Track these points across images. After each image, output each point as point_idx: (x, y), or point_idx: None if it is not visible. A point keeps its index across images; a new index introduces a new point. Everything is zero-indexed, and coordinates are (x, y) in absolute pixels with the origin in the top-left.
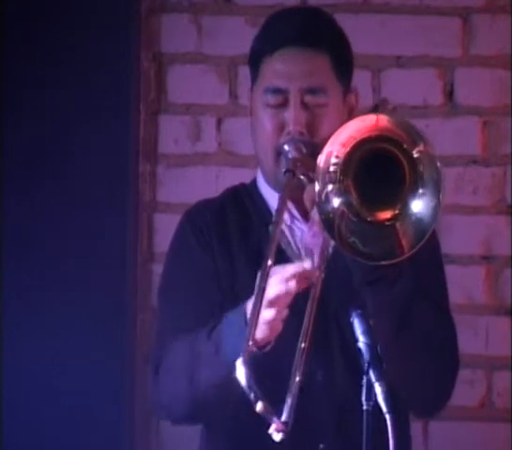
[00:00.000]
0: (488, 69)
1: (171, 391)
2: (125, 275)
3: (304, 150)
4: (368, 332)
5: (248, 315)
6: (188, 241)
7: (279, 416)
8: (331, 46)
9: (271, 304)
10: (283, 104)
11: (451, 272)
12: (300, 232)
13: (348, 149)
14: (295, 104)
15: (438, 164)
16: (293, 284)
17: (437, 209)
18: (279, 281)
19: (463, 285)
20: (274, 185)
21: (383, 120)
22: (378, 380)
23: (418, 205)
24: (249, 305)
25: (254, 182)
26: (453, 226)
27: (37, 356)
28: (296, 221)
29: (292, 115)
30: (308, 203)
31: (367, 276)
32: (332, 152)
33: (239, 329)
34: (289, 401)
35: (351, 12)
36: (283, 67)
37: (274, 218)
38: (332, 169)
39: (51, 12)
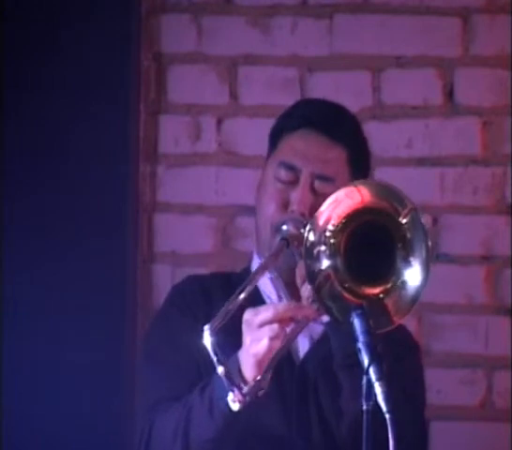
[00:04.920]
0: (488, 69)
1: None
2: (125, 275)
3: (302, 230)
4: (368, 332)
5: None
6: (171, 309)
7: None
8: (351, 141)
9: (255, 341)
10: (293, 182)
11: (451, 272)
12: None
13: (342, 220)
14: (304, 186)
15: (425, 225)
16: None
17: (426, 278)
18: (265, 322)
19: (463, 285)
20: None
21: (365, 193)
22: (378, 379)
23: (410, 276)
24: (240, 354)
25: (247, 268)
26: (453, 226)
27: (37, 356)
28: (284, 301)
29: (298, 196)
30: (298, 279)
31: (346, 359)
32: (330, 218)
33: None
34: (256, 380)
35: (351, 12)
36: (302, 147)
37: (251, 276)
38: (328, 234)
39: (51, 12)
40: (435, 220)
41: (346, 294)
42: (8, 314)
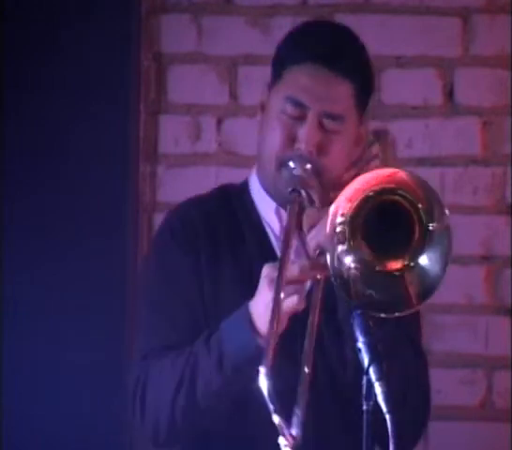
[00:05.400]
0: (488, 69)
1: (159, 409)
2: (125, 275)
3: (308, 166)
4: (368, 332)
5: (256, 316)
6: (172, 247)
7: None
8: (359, 75)
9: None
10: (300, 117)
11: (451, 272)
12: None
13: (354, 204)
14: (312, 124)
15: (451, 238)
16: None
17: (445, 265)
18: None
19: (463, 285)
20: (272, 192)
21: (402, 174)
22: (378, 379)
23: (426, 260)
24: (252, 305)
25: (246, 184)
26: (453, 226)
27: (37, 356)
28: None
29: (306, 134)
30: (305, 227)
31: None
32: (337, 211)
33: (241, 331)
34: (297, 415)
35: (351, 12)
36: (309, 84)
37: (282, 244)
38: (339, 229)
39: (51, 12)
40: None
41: (375, 275)
42: (8, 314)
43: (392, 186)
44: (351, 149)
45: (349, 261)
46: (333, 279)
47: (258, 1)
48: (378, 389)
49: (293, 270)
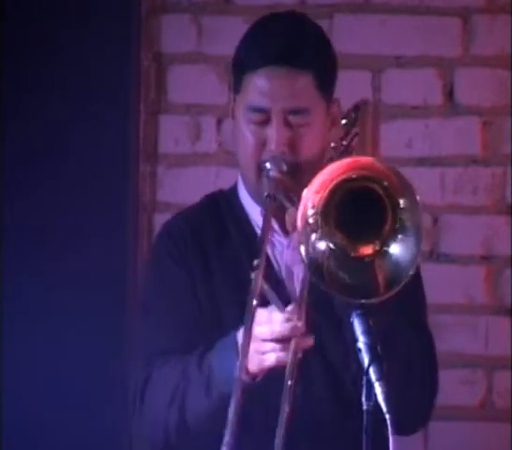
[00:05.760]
0: (488, 69)
1: (157, 420)
2: (125, 275)
3: (285, 169)
4: (368, 332)
5: (240, 347)
6: (166, 259)
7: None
8: (316, 65)
9: (263, 341)
10: (266, 121)
11: (451, 272)
12: (280, 246)
13: (324, 194)
14: (278, 123)
15: (420, 215)
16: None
17: (416, 255)
18: (268, 335)
19: (463, 285)
20: (255, 197)
21: (365, 160)
22: (378, 379)
23: (397, 248)
24: (240, 336)
25: (234, 189)
26: (453, 226)
27: (37, 356)
28: (276, 235)
29: (274, 135)
30: (289, 226)
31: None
32: (307, 204)
33: (230, 360)
34: (279, 433)
35: (351, 12)
36: (266, 87)
37: (255, 264)
38: (311, 220)
39: (51, 12)
40: (435, 220)
41: (348, 259)
42: (8, 314)
43: (358, 172)
44: (326, 134)
45: (323, 246)
46: (308, 267)
47: (258, 1)
48: (378, 389)
49: (262, 328)
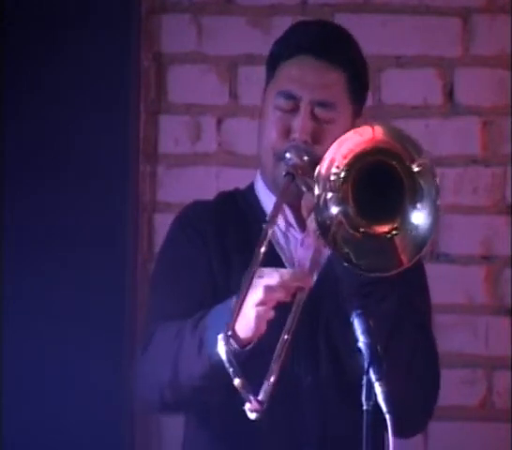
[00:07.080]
0: (488, 69)
1: (152, 379)
2: (125, 275)
3: (305, 158)
4: (368, 332)
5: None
6: (182, 240)
7: (257, 395)
8: (349, 64)
9: (257, 304)
10: (293, 110)
11: (451, 272)
12: (294, 241)
13: (348, 161)
14: (305, 113)
15: (437, 179)
16: (281, 293)
17: (434, 222)
18: (268, 287)
19: (463, 285)
20: (273, 187)
21: (379, 132)
22: (378, 379)
23: (417, 219)
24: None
25: (251, 186)
26: (453, 226)
27: (37, 356)
28: (292, 229)
29: (300, 123)
30: (305, 212)
31: (364, 288)
32: (334, 161)
33: (224, 324)
34: (267, 382)
35: (351, 12)
36: (299, 74)
37: (268, 218)
38: (333, 178)
39: (51, 12)
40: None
41: (359, 235)
42: (8, 314)
43: (372, 145)
44: None
45: (335, 210)
46: (316, 218)
47: (258, 1)
48: (378, 389)
49: (270, 277)
